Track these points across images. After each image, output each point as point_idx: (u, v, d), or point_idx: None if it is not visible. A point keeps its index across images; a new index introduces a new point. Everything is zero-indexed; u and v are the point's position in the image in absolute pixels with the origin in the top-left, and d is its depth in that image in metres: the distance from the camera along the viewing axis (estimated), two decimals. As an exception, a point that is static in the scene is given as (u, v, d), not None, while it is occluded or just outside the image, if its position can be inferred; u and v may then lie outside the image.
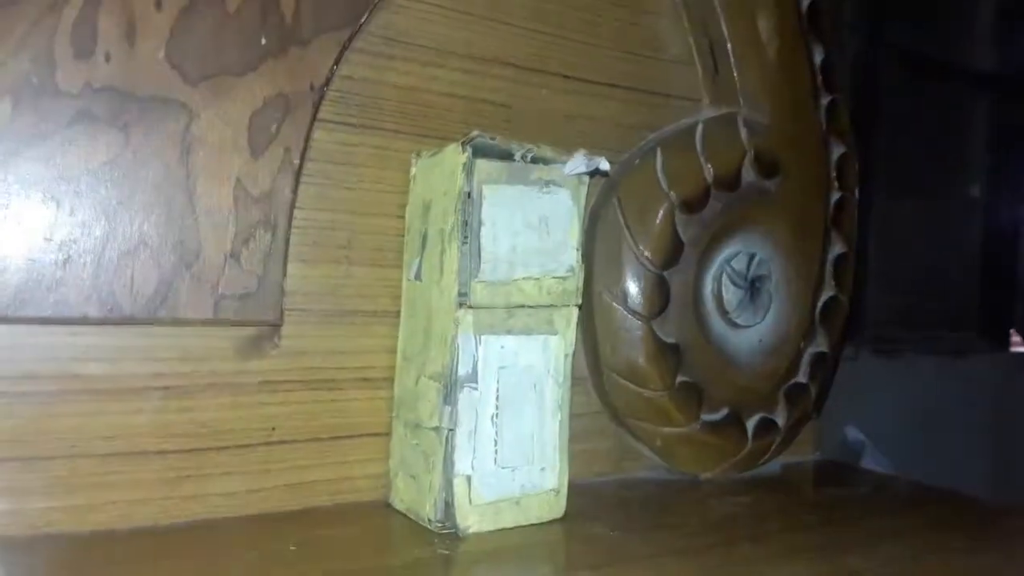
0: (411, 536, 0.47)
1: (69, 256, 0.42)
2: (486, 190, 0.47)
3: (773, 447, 0.65)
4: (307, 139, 0.49)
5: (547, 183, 0.49)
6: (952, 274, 1.59)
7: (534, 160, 0.49)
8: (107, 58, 0.43)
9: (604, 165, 0.49)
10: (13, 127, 0.41)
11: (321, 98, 0.49)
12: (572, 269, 0.50)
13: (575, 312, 0.51)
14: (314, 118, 0.49)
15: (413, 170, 0.53)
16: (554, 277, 0.50)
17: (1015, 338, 1.63)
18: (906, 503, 0.62)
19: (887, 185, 1.17)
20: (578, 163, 0.49)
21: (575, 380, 0.59)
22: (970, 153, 1.62)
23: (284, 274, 0.48)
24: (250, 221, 0.47)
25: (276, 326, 0.49)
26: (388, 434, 0.52)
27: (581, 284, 0.51)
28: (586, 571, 0.43)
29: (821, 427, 0.74)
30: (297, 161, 0.48)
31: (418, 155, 0.52)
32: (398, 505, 0.51)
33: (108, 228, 0.43)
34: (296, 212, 0.49)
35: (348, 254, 0.51)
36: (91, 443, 0.44)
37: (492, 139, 0.47)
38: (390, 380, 0.53)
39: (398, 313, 0.53)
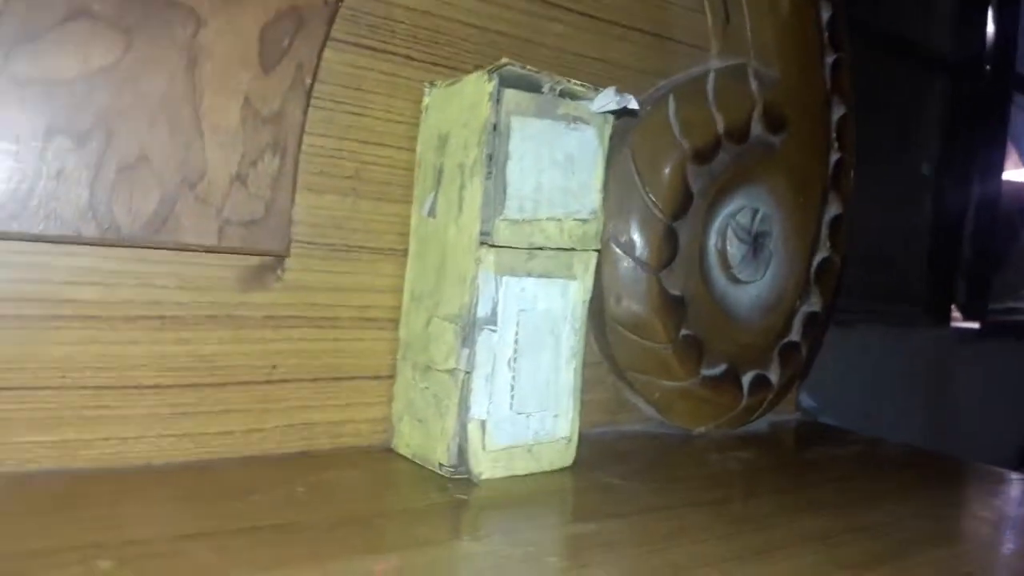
0: (422, 481, 0.45)
1: (62, 168, 0.38)
2: (514, 122, 0.44)
3: (765, 404, 0.65)
4: (319, 57, 0.45)
5: (574, 119, 0.47)
6: (901, 250, 1.63)
7: (562, 94, 0.46)
8: (111, -51, 0.39)
9: (633, 104, 0.47)
10: (3, 20, 0.37)
11: (335, 13, 0.46)
12: (594, 212, 0.48)
13: (594, 257, 0.49)
14: (327, 35, 0.46)
15: (426, 100, 0.50)
16: (576, 219, 0.48)
17: (956, 314, 1.68)
18: (894, 463, 0.63)
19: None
20: (607, 99, 0.47)
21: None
22: (924, 132, 1.65)
23: (292, 202, 0.45)
24: (258, 142, 0.44)
25: (282, 257, 0.46)
26: (391, 376, 0.50)
27: (602, 228, 0.49)
28: (613, 521, 0.41)
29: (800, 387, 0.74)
30: (309, 80, 0.45)
31: (432, 84, 0.49)
32: (402, 450, 0.49)
33: (106, 140, 0.39)
34: (305, 137, 0.46)
35: (355, 186, 0.48)
36: (82, 374, 0.40)
37: (522, 68, 0.45)
38: (394, 321, 0.50)
39: (405, 251, 0.50)
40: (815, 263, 0.67)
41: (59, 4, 0.38)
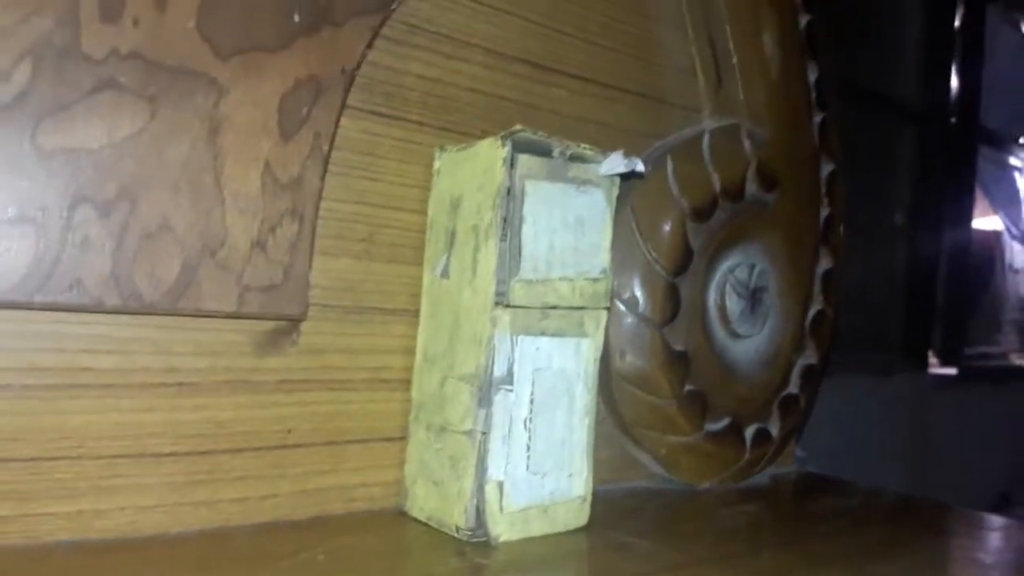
0: (439, 546, 0.45)
1: (87, 237, 0.39)
2: (528, 185, 0.45)
3: (766, 457, 0.66)
4: (336, 125, 0.46)
5: (583, 182, 0.48)
6: (878, 297, 1.66)
7: (572, 158, 0.48)
8: (135, 23, 0.39)
9: (640, 167, 0.49)
10: (33, 92, 0.37)
11: (351, 82, 0.47)
12: (604, 271, 0.49)
13: (604, 315, 0.50)
14: (344, 103, 0.47)
15: (437, 164, 0.50)
16: (587, 278, 0.48)
17: (933, 359, 1.71)
18: (899, 512, 0.63)
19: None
20: (615, 163, 0.48)
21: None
22: (896, 182, 1.70)
23: (310, 266, 0.45)
24: (278, 209, 0.44)
25: (298, 321, 0.46)
26: (403, 438, 0.50)
27: (611, 287, 0.50)
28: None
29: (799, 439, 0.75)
30: (327, 147, 0.46)
31: (442, 149, 0.50)
32: (416, 513, 0.48)
33: (129, 209, 0.40)
34: (322, 203, 0.46)
35: (368, 248, 0.49)
36: (98, 443, 0.40)
37: (533, 134, 0.46)
38: (406, 381, 0.50)
39: (417, 311, 0.50)
40: (810, 316, 0.69)
41: (87, 76, 0.38)
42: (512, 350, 0.46)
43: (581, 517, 0.49)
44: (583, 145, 0.48)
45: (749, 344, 0.65)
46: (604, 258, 0.49)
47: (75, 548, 0.39)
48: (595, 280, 0.49)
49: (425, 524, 0.47)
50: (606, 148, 0.60)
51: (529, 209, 0.45)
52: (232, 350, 0.44)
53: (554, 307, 0.47)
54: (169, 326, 0.42)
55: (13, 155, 0.37)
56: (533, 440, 0.47)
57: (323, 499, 0.47)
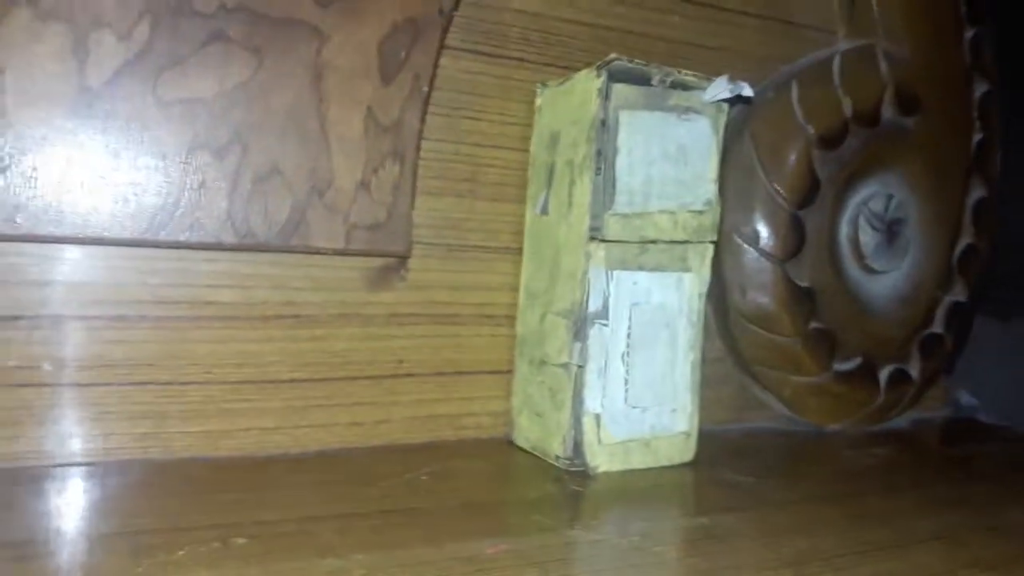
0: (539, 472, 0.46)
1: (204, 181, 0.42)
2: (623, 116, 0.45)
3: (905, 400, 0.62)
4: (435, 66, 0.47)
5: (686, 110, 0.47)
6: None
7: (673, 85, 0.46)
8: (241, -22, 0.42)
9: (747, 91, 0.46)
10: (152, 49, 0.41)
11: (449, 23, 0.48)
12: (709, 203, 0.48)
13: (710, 249, 0.49)
14: (442, 44, 0.47)
15: (538, 101, 0.51)
16: (690, 211, 0.47)
17: None
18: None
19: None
20: (720, 88, 0.46)
21: (698, 325, 0.57)
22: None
23: (412, 206, 0.47)
24: (380, 150, 0.46)
25: (404, 258, 0.48)
26: (510, 371, 0.51)
27: (718, 219, 0.48)
28: (729, 515, 0.41)
29: (952, 383, 0.70)
30: (426, 89, 0.47)
31: (544, 85, 0.50)
32: (522, 442, 0.50)
33: (242, 153, 0.43)
34: (424, 143, 0.48)
35: (472, 188, 0.50)
36: (224, 370, 0.44)
37: (630, 62, 0.45)
38: (511, 317, 0.51)
39: (520, 249, 0.51)
40: (958, 250, 0.63)
41: (199, 31, 0.41)
42: (607, 285, 0.45)
43: (686, 452, 0.49)
44: (685, 71, 0.47)
45: (886, 280, 0.61)
46: (709, 189, 0.48)
47: (205, 464, 0.43)
48: (699, 213, 0.48)
49: (529, 453, 0.49)
50: (725, 75, 0.58)
51: (624, 140, 0.45)
52: (345, 285, 0.47)
53: (654, 241, 0.47)
54: (285, 263, 0.45)
55: (138, 107, 0.41)
56: (631, 374, 0.46)
57: (434, 426, 0.50)
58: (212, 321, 0.44)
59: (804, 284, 0.57)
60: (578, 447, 0.46)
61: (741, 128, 0.57)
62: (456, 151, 0.50)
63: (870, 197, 0.59)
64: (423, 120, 0.47)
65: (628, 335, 0.46)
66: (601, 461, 0.46)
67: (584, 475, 0.45)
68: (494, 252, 0.51)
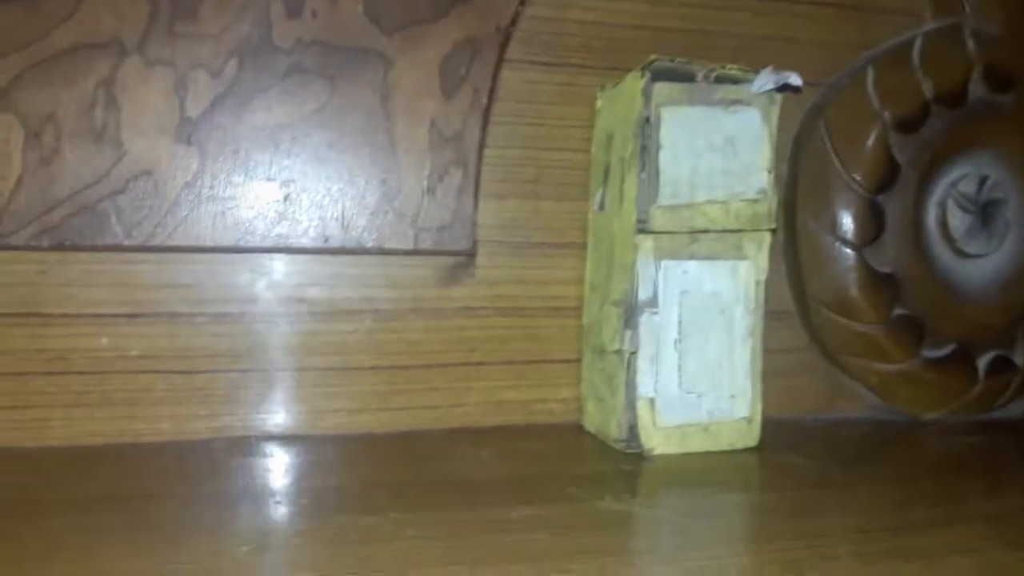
0: (598, 453, 0.49)
1: (288, 194, 0.48)
2: (664, 112, 0.47)
3: (1011, 389, 0.59)
4: (494, 79, 0.51)
5: (733, 103, 0.48)
6: None
7: (718, 80, 0.48)
8: (314, 15, 0.48)
9: (795, 80, 0.47)
10: (239, 82, 0.47)
11: (507, 39, 0.52)
12: (763, 191, 0.49)
13: (767, 237, 0.50)
14: (501, 58, 0.51)
15: (599, 103, 0.53)
16: (743, 200, 0.48)
17: None
18: None
19: None
20: (765, 80, 0.47)
21: (781, 314, 0.58)
22: None
23: (475, 207, 0.51)
24: (444, 160, 0.51)
25: (471, 256, 0.52)
26: (578, 361, 0.54)
27: (774, 207, 0.49)
28: (769, 493, 0.42)
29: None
30: (485, 101, 0.51)
31: (603, 88, 0.53)
32: (588, 427, 0.53)
33: (320, 168, 0.49)
34: (486, 151, 0.52)
35: (536, 189, 0.54)
36: (314, 358, 0.50)
37: (671, 61, 0.47)
38: (579, 310, 0.54)
39: (585, 245, 0.54)
40: (1070, 230, 0.59)
41: (280, 63, 0.48)
42: (657, 274, 0.48)
43: (748, 438, 0.50)
44: (731, 65, 0.48)
45: (985, 263, 0.58)
46: (762, 178, 0.49)
47: (302, 438, 0.49)
48: (753, 201, 0.49)
49: (594, 436, 0.52)
50: (802, 65, 0.58)
51: (666, 135, 0.47)
52: (418, 283, 0.52)
53: (704, 231, 0.48)
54: (365, 264, 0.51)
55: (230, 134, 0.47)
56: (684, 360, 0.48)
57: (505, 411, 0.54)
58: (301, 317, 0.50)
59: (886, 270, 0.56)
60: (633, 430, 0.48)
61: (815, 117, 0.57)
62: (520, 156, 0.53)
63: (960, 178, 0.57)
64: (484, 130, 0.51)
65: (679, 322, 0.48)
66: (657, 443, 0.48)
67: (639, 456, 0.48)
68: (560, 248, 0.54)
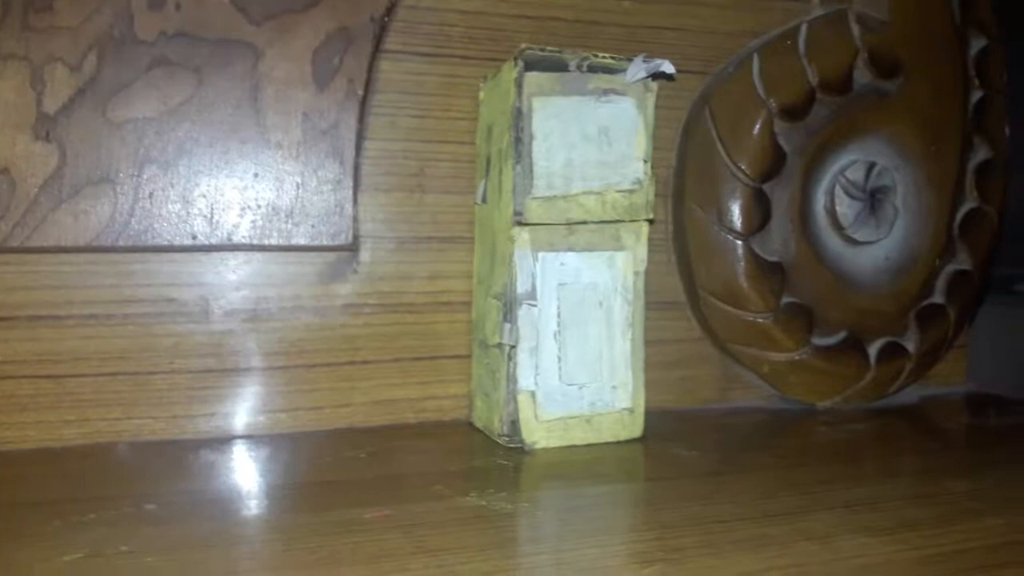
0: (481, 449, 0.48)
1: (153, 191, 0.47)
2: (536, 103, 0.46)
3: (904, 375, 0.60)
4: (370, 69, 0.50)
5: (607, 92, 0.48)
6: None
7: (591, 69, 0.47)
8: (177, 7, 0.47)
9: (668, 68, 0.47)
10: (100, 76, 0.46)
11: (383, 29, 0.51)
12: (639, 182, 0.48)
13: (645, 227, 0.49)
14: (376, 48, 0.50)
15: (481, 94, 0.53)
16: (619, 191, 0.48)
17: None
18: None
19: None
20: (637, 68, 0.47)
21: (674, 305, 0.58)
22: None
23: (354, 201, 0.50)
24: (319, 152, 0.49)
25: (352, 251, 0.51)
26: (469, 356, 0.53)
27: (652, 198, 0.49)
28: (637, 483, 0.42)
29: (975, 355, 0.66)
30: (361, 92, 0.50)
31: (484, 79, 0.52)
32: (477, 423, 0.52)
33: (188, 163, 0.47)
34: (367, 143, 0.51)
35: (421, 182, 0.53)
36: (187, 360, 0.49)
37: (542, 50, 0.46)
38: (469, 304, 0.54)
39: (473, 239, 0.53)
40: (959, 216, 0.60)
41: (142, 57, 0.46)
42: (535, 266, 0.47)
43: (632, 429, 0.49)
44: (604, 54, 0.47)
45: (875, 250, 0.59)
46: (638, 168, 0.48)
47: (172, 445, 0.48)
48: (629, 192, 0.48)
49: (482, 432, 0.51)
50: (690, 54, 0.58)
51: (539, 126, 0.46)
52: (298, 280, 0.51)
53: (582, 222, 0.48)
54: (239, 260, 0.50)
55: (90, 129, 0.46)
56: (564, 352, 0.48)
57: (394, 409, 0.53)
58: (174, 317, 0.48)
59: (773, 259, 0.56)
60: (515, 424, 0.47)
61: (702, 105, 0.57)
62: (403, 149, 0.52)
63: (848, 166, 0.58)
64: (362, 121, 0.50)
65: (558, 315, 0.48)
66: (539, 437, 0.47)
67: (521, 451, 0.47)
68: (448, 242, 0.53)
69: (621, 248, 0.49)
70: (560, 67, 0.47)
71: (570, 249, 0.48)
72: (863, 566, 0.31)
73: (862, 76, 0.57)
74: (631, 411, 0.49)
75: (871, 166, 0.58)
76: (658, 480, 0.43)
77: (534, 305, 0.47)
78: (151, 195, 0.47)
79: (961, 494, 0.40)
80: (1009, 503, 0.39)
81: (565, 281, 0.48)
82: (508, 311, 0.47)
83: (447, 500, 0.38)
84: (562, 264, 0.47)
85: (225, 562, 0.31)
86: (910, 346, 0.59)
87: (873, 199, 0.58)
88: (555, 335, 0.48)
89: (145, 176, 0.47)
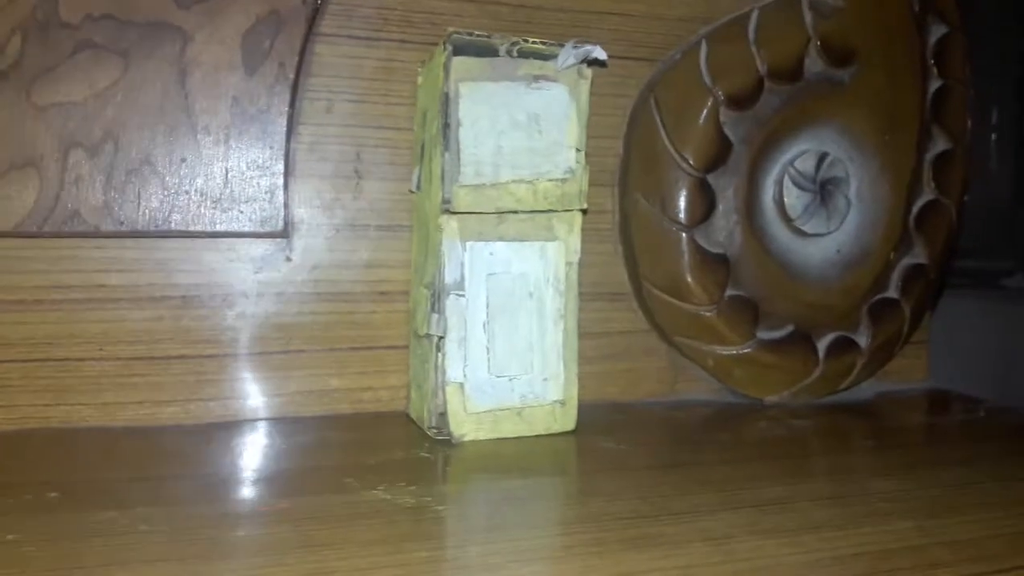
0: (409, 441, 0.47)
1: (80, 176, 0.46)
2: (464, 88, 0.45)
3: (856, 370, 0.58)
4: (303, 53, 0.50)
5: (537, 78, 0.47)
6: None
7: (522, 54, 0.46)
8: (103, -12, 0.46)
9: (600, 54, 0.46)
10: (24, 59, 0.45)
11: (316, 12, 0.50)
12: (572, 171, 0.48)
13: (579, 217, 0.48)
14: (309, 31, 0.50)
15: (419, 80, 0.52)
16: (550, 180, 0.47)
17: None
18: (1003, 432, 0.53)
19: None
20: (567, 54, 0.46)
21: (622, 296, 0.57)
22: None
23: (286, 187, 0.50)
24: (248, 137, 0.49)
25: (284, 238, 0.50)
26: (407, 347, 0.53)
27: (585, 187, 0.48)
28: (558, 477, 0.41)
29: (937, 352, 0.65)
30: (292, 76, 0.49)
31: (423, 64, 0.51)
32: (411, 414, 0.51)
33: (114, 149, 0.47)
34: (301, 128, 0.50)
35: (358, 168, 0.52)
36: (116, 347, 0.48)
37: (470, 34, 0.45)
38: (407, 294, 0.53)
39: (411, 227, 0.53)
40: (915, 209, 0.59)
41: (67, 41, 0.46)
42: (463, 255, 0.46)
43: (564, 421, 0.49)
44: (535, 40, 0.46)
45: (826, 243, 0.58)
46: (570, 156, 0.47)
47: (102, 433, 0.47)
48: (561, 181, 0.47)
49: (415, 423, 0.50)
50: (637, 40, 0.57)
51: (466, 112, 0.45)
52: (229, 267, 0.50)
53: (512, 211, 0.47)
54: (171, 248, 0.49)
55: (14, 113, 0.45)
56: (492, 343, 0.47)
57: (329, 400, 0.52)
58: (103, 303, 0.48)
59: (717, 251, 0.55)
60: (443, 416, 0.47)
61: (647, 93, 0.56)
62: (339, 134, 0.52)
63: (798, 156, 0.57)
64: (294, 106, 0.50)
65: (487, 305, 0.47)
66: (468, 430, 0.47)
67: (448, 443, 0.46)
68: (386, 231, 0.53)
69: (554, 238, 0.48)
70: (490, 52, 0.46)
71: (500, 239, 0.47)
72: (751, 569, 0.31)
73: (814, 64, 0.56)
74: (563, 404, 0.49)
75: (822, 156, 0.57)
76: (574, 475, 0.42)
77: (462, 295, 0.46)
78: (77, 180, 0.46)
79: (879, 495, 0.39)
80: (927, 505, 0.38)
81: (495, 271, 0.47)
82: (436, 301, 0.46)
83: (351, 494, 0.38)
84: (491, 254, 0.47)
85: (101, 553, 0.31)
86: (862, 341, 0.58)
87: (824, 190, 0.57)
88: (484, 326, 0.47)
89: (71, 161, 0.46)
